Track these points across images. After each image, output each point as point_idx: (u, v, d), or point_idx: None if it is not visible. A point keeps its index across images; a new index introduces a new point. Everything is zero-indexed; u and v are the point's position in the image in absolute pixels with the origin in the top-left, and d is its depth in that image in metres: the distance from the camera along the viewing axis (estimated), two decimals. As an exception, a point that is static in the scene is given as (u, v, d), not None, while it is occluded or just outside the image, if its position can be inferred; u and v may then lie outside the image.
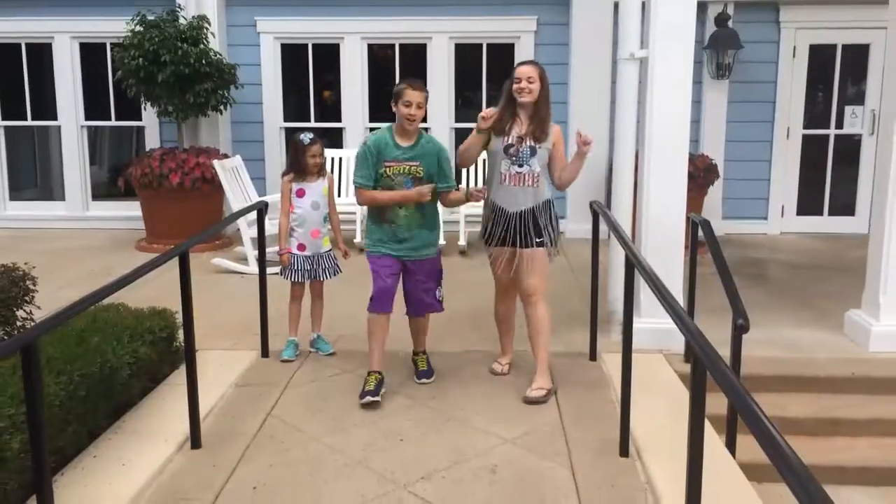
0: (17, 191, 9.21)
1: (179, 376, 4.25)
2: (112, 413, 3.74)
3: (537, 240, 4.07)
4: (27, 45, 8.81)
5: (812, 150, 8.73)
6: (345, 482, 3.23)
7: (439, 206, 4.26)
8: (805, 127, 8.67)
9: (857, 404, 4.43)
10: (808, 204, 8.86)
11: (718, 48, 8.19)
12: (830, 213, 8.85)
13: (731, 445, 3.89)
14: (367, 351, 4.16)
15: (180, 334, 4.34)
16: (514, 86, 3.99)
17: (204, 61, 7.43)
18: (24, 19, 8.61)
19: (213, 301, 5.77)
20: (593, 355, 4.70)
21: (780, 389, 4.46)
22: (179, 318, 4.29)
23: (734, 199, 8.76)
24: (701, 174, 7.63)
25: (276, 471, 3.33)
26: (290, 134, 8.74)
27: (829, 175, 8.81)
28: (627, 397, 3.51)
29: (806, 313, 5.64)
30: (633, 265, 3.45)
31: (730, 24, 8.18)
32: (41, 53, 8.81)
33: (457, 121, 8.71)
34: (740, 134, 8.61)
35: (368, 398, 3.94)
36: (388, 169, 4.03)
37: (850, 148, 8.72)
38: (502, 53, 8.64)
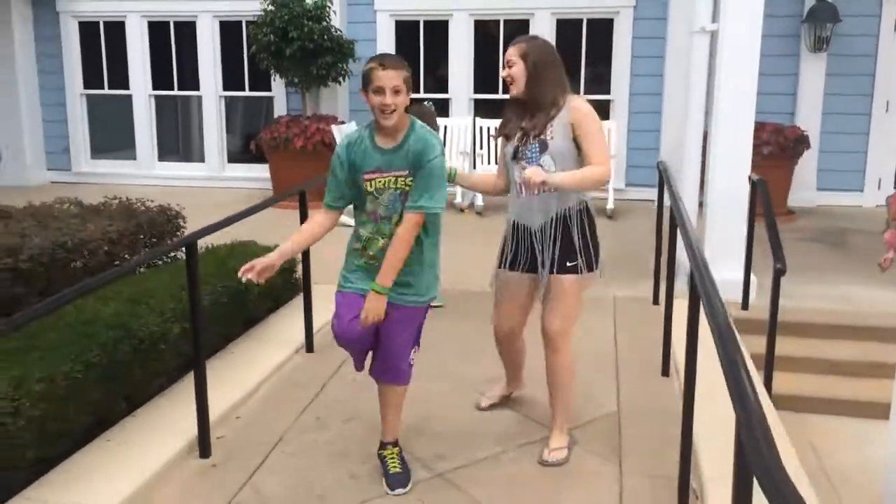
0: (164, 153, 10.45)
1: (299, 301, 5.09)
2: (244, 324, 4.62)
3: (569, 263, 3.16)
4: (175, 23, 9.96)
5: (912, 124, 8.74)
6: (425, 381, 3.97)
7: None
8: (905, 100, 8.69)
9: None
10: (907, 177, 8.88)
11: (817, 21, 8.34)
12: (930, 187, 8.84)
13: (768, 379, 4.38)
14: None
15: (300, 268, 5.22)
16: (503, 72, 3.20)
17: (326, 37, 8.30)
18: (172, 0, 9.77)
19: (324, 247, 6.61)
20: (656, 300, 5.23)
21: (827, 336, 4.87)
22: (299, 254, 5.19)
23: (829, 171, 8.89)
24: (791, 144, 7.88)
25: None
26: (402, 104, 9.55)
27: (931, 149, 8.79)
28: (669, 326, 4.07)
29: (875, 275, 5.91)
30: (677, 217, 3.97)
31: (829, -3, 8.30)
32: (186, 30, 9.94)
33: (556, 92, 9.22)
34: (838, 106, 8.71)
35: (399, 490, 3.02)
36: (368, 184, 2.87)
37: (953, 122, 8.67)
38: (602, 29, 9.08)
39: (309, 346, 4.39)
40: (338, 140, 7.80)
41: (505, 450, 3.30)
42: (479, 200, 8.23)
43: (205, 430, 3.27)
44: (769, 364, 4.35)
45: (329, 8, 8.47)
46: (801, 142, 8.02)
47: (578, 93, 9.03)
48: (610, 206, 8.09)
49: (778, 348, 4.69)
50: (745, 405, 1.68)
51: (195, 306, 3.20)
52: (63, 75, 10.25)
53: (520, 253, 3.24)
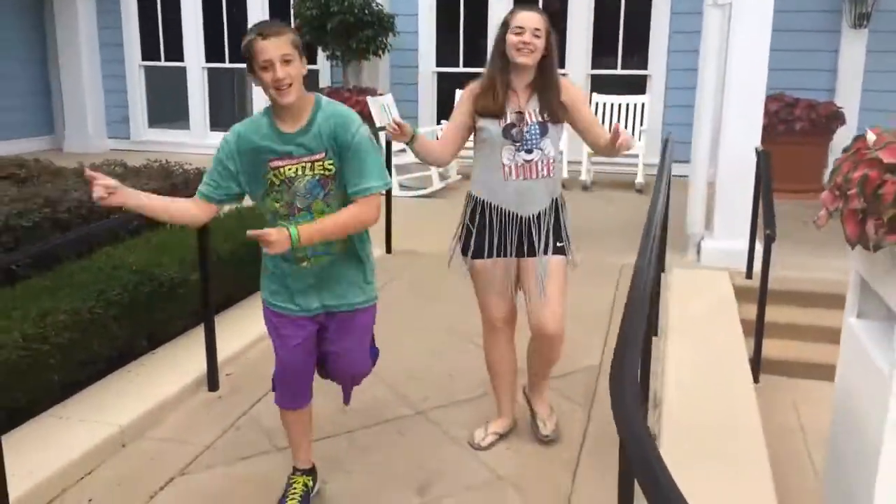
0: (216, 123, 10.89)
1: (319, 259, 5.45)
2: (266, 278, 4.95)
3: (559, 244, 3.01)
4: (227, -4, 10.40)
5: (957, 101, 8.57)
6: (427, 332, 4.26)
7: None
8: (951, 77, 8.51)
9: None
10: (951, 157, 8.70)
11: (858, -3, 8.23)
12: (975, 167, 8.65)
13: (758, 345, 4.51)
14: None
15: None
16: (514, 38, 2.85)
17: (366, 11, 8.58)
18: (225, -24, 10.17)
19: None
20: (662, 267, 5.38)
21: (829, 305, 4.97)
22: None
23: (869, 149, 8.79)
24: (823, 121, 7.84)
25: (389, 315, 4.39)
26: (441, 78, 9.78)
27: (977, 128, 8.61)
28: (658, 289, 4.25)
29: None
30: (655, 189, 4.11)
31: (872, -28, 8.18)
32: (237, 5, 10.34)
33: (593, 67, 9.33)
34: (879, 83, 8.58)
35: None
36: (276, 172, 2.47)
37: None
38: (640, 3, 9.11)
39: (322, 299, 4.72)
40: (372, 111, 8.09)
41: (486, 393, 3.55)
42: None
43: (213, 365, 3.62)
44: (759, 330, 4.48)
45: (370, -18, 8.74)
46: (835, 118, 7.95)
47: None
48: (639, 180, 8.21)
49: (778, 315, 4.83)
50: (621, 378, 1.73)
51: (204, 252, 3.54)
52: (122, 47, 10.79)
53: (499, 240, 2.98)
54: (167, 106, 11.11)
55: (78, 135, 10.84)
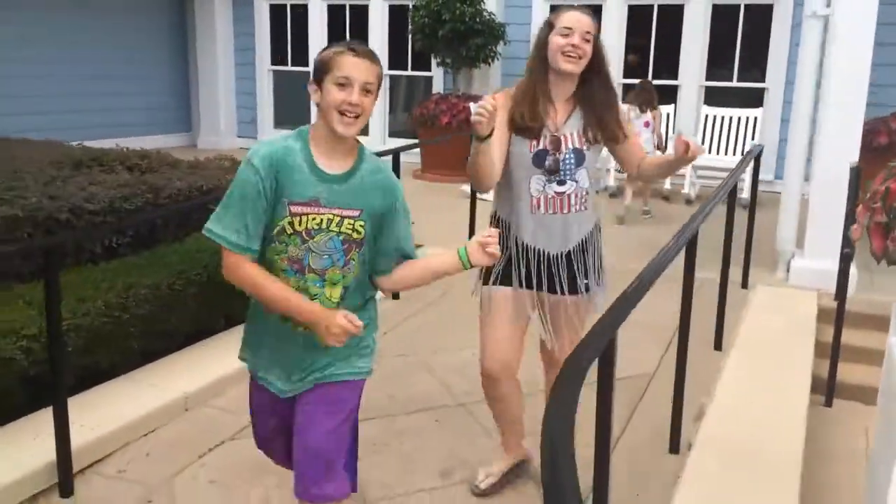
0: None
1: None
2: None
3: (584, 281, 2.67)
4: (350, 6, 10.87)
5: None
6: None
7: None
8: None
9: None
10: None
11: None
12: None
13: (833, 367, 4.35)
14: None
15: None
16: (561, 40, 2.49)
17: (477, 20, 8.78)
18: (350, -15, 10.67)
19: (450, 215, 7.14)
20: (745, 284, 5.25)
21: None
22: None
23: None
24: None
25: (452, 314, 4.57)
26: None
27: None
28: (723, 305, 4.19)
29: None
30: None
31: None
32: (359, 14, 10.81)
33: (707, 79, 9.11)
34: None
35: None
36: (296, 220, 2.05)
37: None
38: (760, 14, 8.84)
39: (395, 296, 4.91)
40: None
41: (530, 392, 3.62)
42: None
43: (277, 345, 3.88)
44: (835, 352, 4.31)
45: (482, -8, 8.94)
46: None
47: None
48: (744, 195, 7.93)
49: (864, 339, 4.63)
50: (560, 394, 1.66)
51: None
52: (254, 52, 11.51)
53: (526, 272, 2.66)
54: (292, 108, 11.74)
55: (211, 133, 11.66)
